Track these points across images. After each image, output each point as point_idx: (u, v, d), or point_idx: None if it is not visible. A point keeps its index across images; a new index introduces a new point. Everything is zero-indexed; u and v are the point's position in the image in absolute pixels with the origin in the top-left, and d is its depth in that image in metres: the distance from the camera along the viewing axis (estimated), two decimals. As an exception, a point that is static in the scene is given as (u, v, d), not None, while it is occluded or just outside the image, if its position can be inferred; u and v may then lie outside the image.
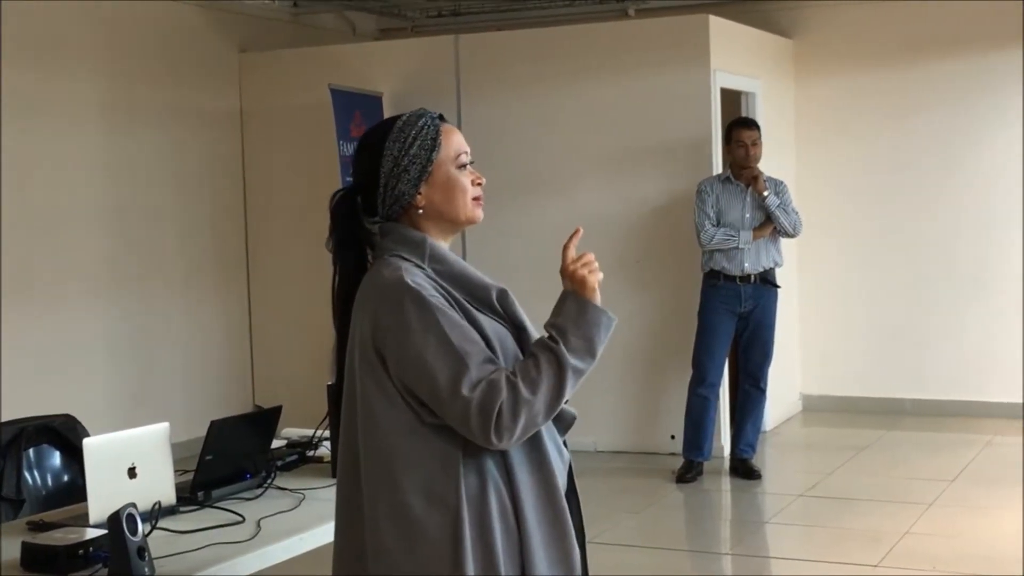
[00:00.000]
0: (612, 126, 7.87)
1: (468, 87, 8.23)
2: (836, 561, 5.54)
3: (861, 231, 9.04)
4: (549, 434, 2.35)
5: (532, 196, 8.03)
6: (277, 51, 8.79)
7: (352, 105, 8.04)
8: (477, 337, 2.26)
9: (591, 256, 2.31)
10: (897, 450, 7.85)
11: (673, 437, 7.49)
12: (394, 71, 8.44)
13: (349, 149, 7.67)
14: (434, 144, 2.39)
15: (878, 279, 9.02)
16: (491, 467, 2.26)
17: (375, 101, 8.18)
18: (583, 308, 2.27)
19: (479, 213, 2.43)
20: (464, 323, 2.27)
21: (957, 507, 6.41)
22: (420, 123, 2.41)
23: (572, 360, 2.22)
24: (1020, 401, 8.52)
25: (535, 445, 2.30)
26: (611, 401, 7.74)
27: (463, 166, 2.42)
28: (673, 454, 7.41)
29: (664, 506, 6.79)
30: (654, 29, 7.91)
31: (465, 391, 2.19)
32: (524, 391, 2.20)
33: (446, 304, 2.27)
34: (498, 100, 8.14)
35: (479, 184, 2.44)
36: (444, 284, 2.33)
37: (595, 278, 2.29)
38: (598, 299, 2.29)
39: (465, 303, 2.32)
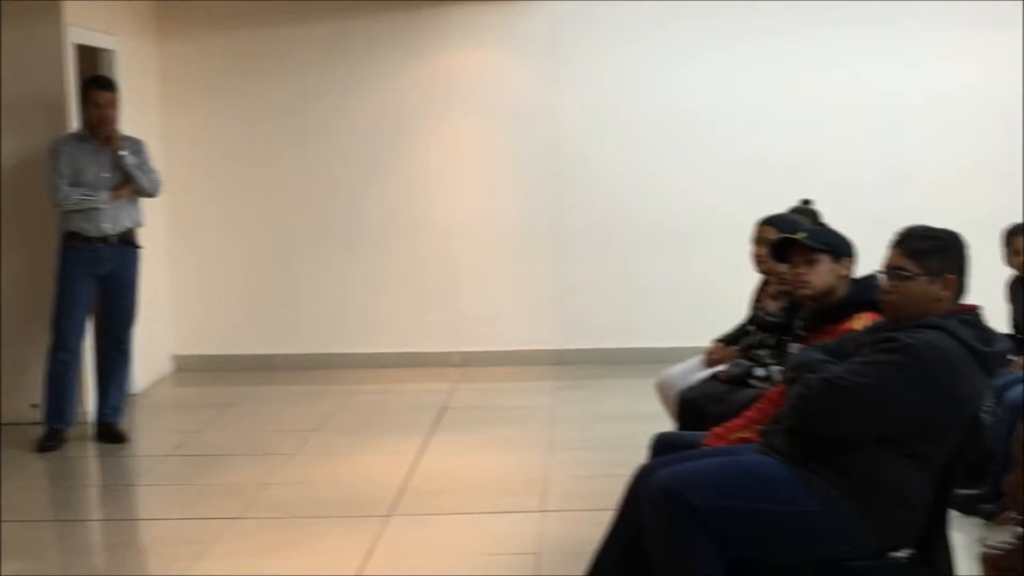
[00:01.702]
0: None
1: None
2: (198, 517, 5.61)
3: (231, 190, 9.16)
4: None
5: None
6: None
7: None
8: None
9: None
10: (266, 405, 8.07)
11: (35, 406, 7.20)
12: None
13: None
14: None
15: (247, 238, 9.18)
16: None
17: None
18: None
19: None
20: None
21: (319, 455, 6.70)
22: None
23: None
24: (379, 351, 9.08)
25: None
26: (-35, 373, 7.32)
27: None
28: (36, 423, 7.12)
29: (25, 477, 6.50)
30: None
31: None
32: None
33: None
34: None
35: None
36: None
37: None
38: None
39: None
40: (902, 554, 3.59)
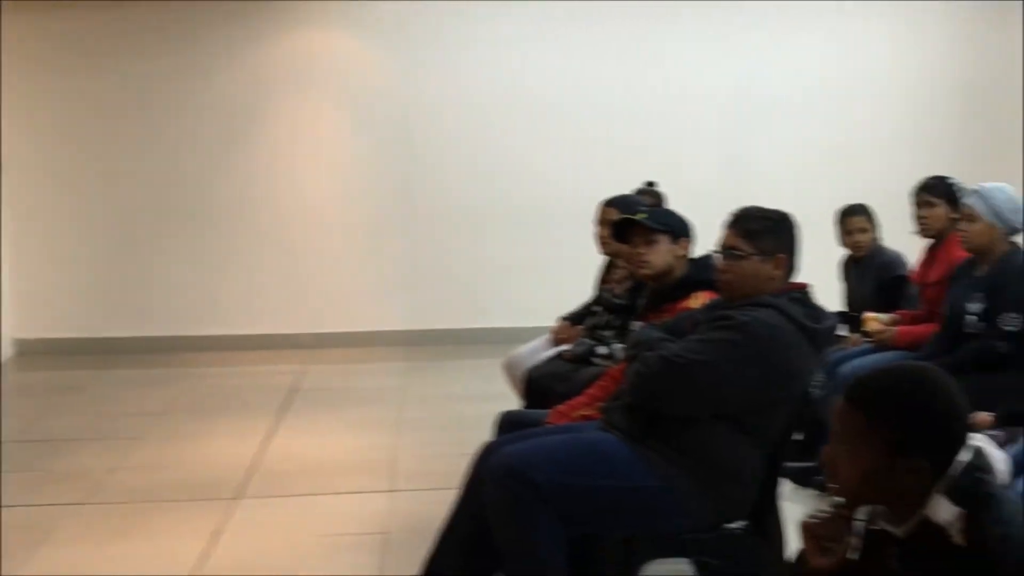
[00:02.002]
0: None
1: None
2: (41, 504, 5.50)
3: (74, 171, 8.97)
4: None
5: None
6: None
7: None
8: None
9: None
10: (112, 388, 7.93)
11: None
12: None
13: None
14: None
15: (91, 219, 9.01)
16: None
17: None
18: None
19: None
20: None
21: (166, 439, 6.61)
22: None
23: None
24: (229, 333, 8.99)
25: None
26: None
27: None
28: None
29: None
30: None
31: None
32: None
33: None
34: None
35: None
36: None
37: None
38: None
39: None
40: (736, 526, 3.70)
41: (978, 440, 2.39)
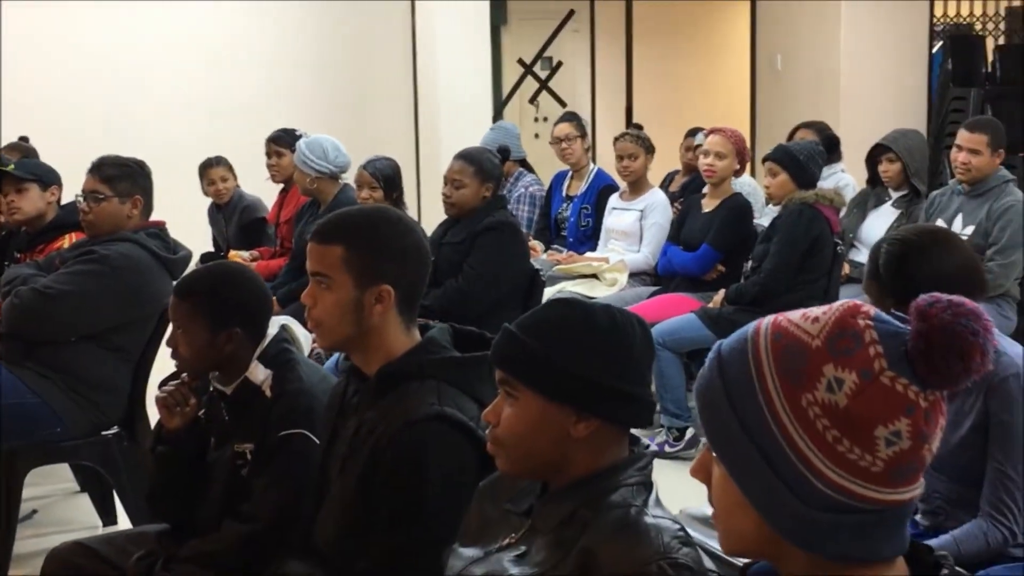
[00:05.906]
0: None
1: None
2: None
3: None
4: None
5: None
6: None
7: None
8: None
9: None
10: None
11: None
12: None
13: None
14: None
15: None
16: None
17: None
18: None
19: None
20: None
21: None
22: None
23: None
24: None
25: None
26: None
27: None
28: None
29: None
30: None
31: None
32: None
33: None
34: None
35: None
36: None
37: None
38: None
39: None
40: (110, 433, 4.26)
41: (285, 319, 3.16)
